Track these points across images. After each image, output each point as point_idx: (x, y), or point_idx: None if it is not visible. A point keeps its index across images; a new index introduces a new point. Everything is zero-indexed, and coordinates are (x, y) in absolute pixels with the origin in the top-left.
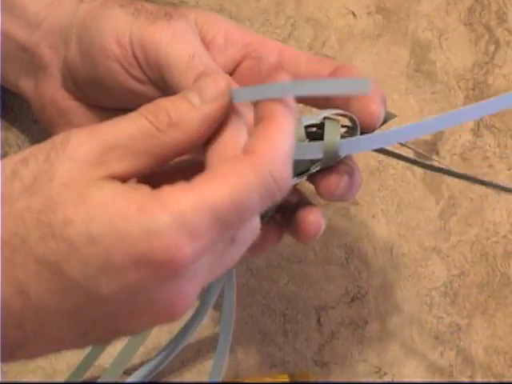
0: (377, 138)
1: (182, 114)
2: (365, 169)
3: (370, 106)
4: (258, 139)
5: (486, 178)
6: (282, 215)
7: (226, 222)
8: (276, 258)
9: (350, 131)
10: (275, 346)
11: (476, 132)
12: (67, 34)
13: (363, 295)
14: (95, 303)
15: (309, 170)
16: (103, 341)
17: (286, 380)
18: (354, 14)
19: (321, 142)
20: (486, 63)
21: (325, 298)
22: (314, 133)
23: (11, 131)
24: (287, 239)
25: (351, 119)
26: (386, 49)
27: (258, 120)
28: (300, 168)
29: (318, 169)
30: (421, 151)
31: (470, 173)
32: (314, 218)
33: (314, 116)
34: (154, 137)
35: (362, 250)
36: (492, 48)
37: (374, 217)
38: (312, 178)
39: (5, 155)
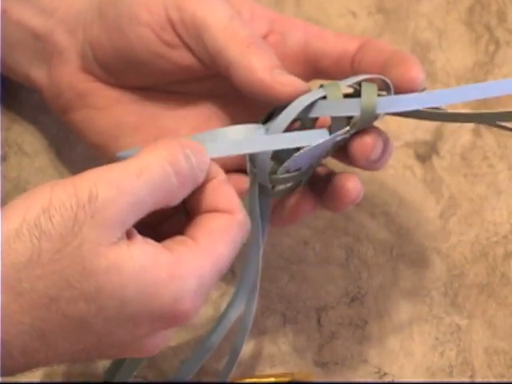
0: (415, 99)
1: (191, 176)
2: None
3: (410, 71)
4: (227, 198)
5: (486, 178)
6: (314, 186)
7: (222, 275)
8: (276, 258)
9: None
10: (275, 345)
11: (476, 132)
12: (86, 16)
13: (363, 295)
14: (101, 346)
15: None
16: (78, 362)
17: (286, 380)
18: (354, 14)
19: (358, 99)
20: (486, 63)
21: (325, 298)
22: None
23: (11, 131)
24: (287, 240)
25: (385, 83)
26: None
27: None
28: (336, 129)
29: (353, 131)
30: (452, 110)
31: (470, 172)
32: (352, 184)
33: (350, 79)
34: (171, 191)
35: (362, 250)
36: (492, 48)
37: (374, 217)
38: (344, 146)
39: (5, 155)
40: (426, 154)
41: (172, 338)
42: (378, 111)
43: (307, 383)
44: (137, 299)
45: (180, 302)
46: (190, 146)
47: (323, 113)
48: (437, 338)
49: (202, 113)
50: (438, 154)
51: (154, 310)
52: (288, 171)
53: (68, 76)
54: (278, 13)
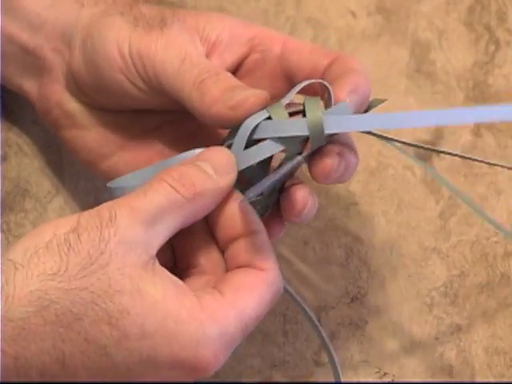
0: (363, 120)
1: (202, 183)
2: (365, 169)
3: (337, 93)
4: (263, 255)
5: (486, 178)
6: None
7: (247, 331)
8: (276, 258)
9: (326, 102)
10: (275, 345)
11: (476, 132)
12: (71, 39)
13: (363, 295)
14: (120, 381)
15: (301, 153)
16: None
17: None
18: (353, 14)
19: (305, 118)
20: (486, 63)
21: (325, 298)
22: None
23: (11, 132)
24: (287, 240)
25: (326, 88)
26: (386, 49)
27: (242, 230)
28: (292, 150)
29: (309, 152)
30: (410, 142)
31: (470, 173)
32: (301, 195)
33: (291, 92)
34: (181, 206)
35: (362, 250)
36: (492, 48)
37: (373, 217)
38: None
39: (5, 155)
40: (426, 154)
41: None
42: (327, 130)
43: (307, 383)
44: (157, 333)
45: (202, 346)
46: (204, 157)
47: (271, 134)
48: (437, 338)
49: (186, 129)
50: (438, 154)
51: (175, 351)
52: (249, 198)
53: (56, 95)
54: (257, 27)
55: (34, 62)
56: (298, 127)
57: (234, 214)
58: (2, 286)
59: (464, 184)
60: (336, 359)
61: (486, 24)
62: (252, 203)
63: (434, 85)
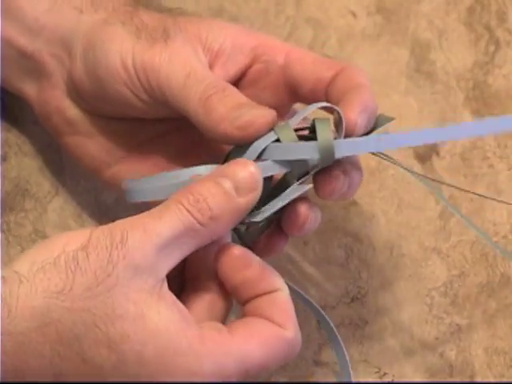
0: (373, 142)
1: (220, 205)
2: (365, 169)
3: (348, 113)
4: (284, 313)
5: (486, 178)
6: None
7: (248, 377)
8: (276, 257)
9: (336, 124)
10: None
11: None
12: (71, 47)
13: (363, 295)
14: (119, 381)
15: (308, 173)
16: None
17: None
18: (354, 14)
19: (315, 141)
20: (486, 63)
21: (325, 298)
22: (307, 137)
23: (11, 132)
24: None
25: (335, 110)
26: (386, 49)
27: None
28: (299, 170)
29: (316, 170)
30: (408, 169)
31: (470, 173)
32: (303, 210)
33: (300, 114)
34: (197, 231)
35: (362, 250)
36: (492, 48)
37: (374, 217)
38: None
39: (5, 155)
40: (425, 154)
41: None
42: (337, 153)
43: (307, 383)
44: (154, 361)
45: (194, 378)
46: (226, 172)
47: (280, 156)
48: (437, 338)
49: (190, 137)
50: (437, 154)
51: (169, 378)
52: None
53: (56, 101)
54: (260, 36)
55: (32, 66)
56: (308, 151)
57: (254, 277)
58: (5, 298)
59: (464, 184)
60: (345, 351)
61: (486, 24)
62: (255, 221)
63: (434, 85)
